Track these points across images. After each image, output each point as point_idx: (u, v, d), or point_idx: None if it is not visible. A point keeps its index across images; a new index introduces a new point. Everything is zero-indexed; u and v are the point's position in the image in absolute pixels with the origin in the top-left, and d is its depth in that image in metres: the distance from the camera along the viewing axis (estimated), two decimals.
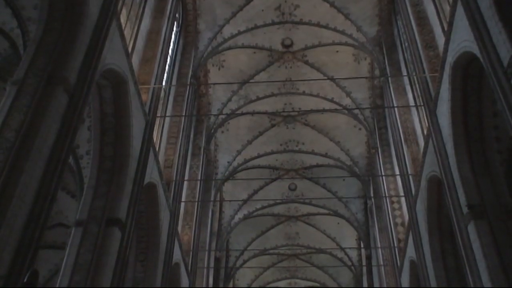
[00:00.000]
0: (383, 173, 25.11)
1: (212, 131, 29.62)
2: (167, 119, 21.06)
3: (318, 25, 25.76)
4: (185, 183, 23.50)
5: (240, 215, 35.17)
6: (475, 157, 12.70)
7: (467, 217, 12.14)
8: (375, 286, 29.74)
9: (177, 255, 20.39)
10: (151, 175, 16.55)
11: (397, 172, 22.05)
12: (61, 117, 9.03)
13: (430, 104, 15.15)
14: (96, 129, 13.38)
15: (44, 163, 8.45)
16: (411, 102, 20.45)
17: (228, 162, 32.19)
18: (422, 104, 16.96)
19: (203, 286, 27.55)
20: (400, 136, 20.41)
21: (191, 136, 25.49)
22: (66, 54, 9.55)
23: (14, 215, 7.58)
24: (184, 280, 21.90)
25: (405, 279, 20.83)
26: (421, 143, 18.46)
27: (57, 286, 11.48)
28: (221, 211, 34.37)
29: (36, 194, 8.13)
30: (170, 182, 19.90)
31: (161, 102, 18.88)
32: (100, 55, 10.99)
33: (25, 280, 7.18)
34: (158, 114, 18.31)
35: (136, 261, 17.16)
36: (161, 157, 19.40)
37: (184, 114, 22.14)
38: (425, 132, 17.12)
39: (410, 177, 19.07)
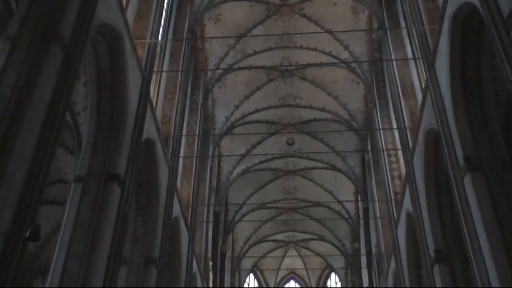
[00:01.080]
0: (380, 127, 25.15)
1: (210, 86, 29.48)
2: (164, 75, 20.92)
3: None
4: (183, 138, 23.53)
5: (238, 170, 35.41)
6: (473, 111, 12.68)
7: (464, 170, 12.23)
8: (371, 238, 30.20)
9: (176, 210, 20.62)
10: (149, 131, 16.55)
11: (395, 126, 22.08)
12: (57, 73, 8.95)
13: (428, 57, 15.04)
14: (92, 86, 13.29)
15: (42, 120, 8.42)
16: (410, 55, 20.29)
17: (225, 117, 32.17)
18: (420, 57, 16.84)
19: (203, 240, 27.98)
20: (398, 89, 20.34)
21: (189, 91, 25.37)
22: (59, 9, 9.38)
23: (13, 172, 7.61)
24: (184, 234, 22.22)
25: (401, 231, 21.14)
26: (419, 96, 18.41)
27: (59, 241, 11.63)
28: (219, 166, 34.58)
29: (35, 151, 8.14)
30: (168, 138, 19.93)
31: (157, 57, 18.70)
32: (94, 10, 10.81)
33: (27, 234, 7.27)
34: (155, 70, 18.17)
35: (136, 216, 17.36)
36: (158, 113, 19.36)
37: (180, 69, 21.97)
38: (423, 86, 17.05)
39: (408, 130, 19.11)
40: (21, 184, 7.75)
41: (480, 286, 11.47)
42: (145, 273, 16.77)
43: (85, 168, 12.62)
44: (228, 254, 38.66)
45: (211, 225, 30.79)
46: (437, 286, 15.59)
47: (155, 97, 19.30)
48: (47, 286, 11.12)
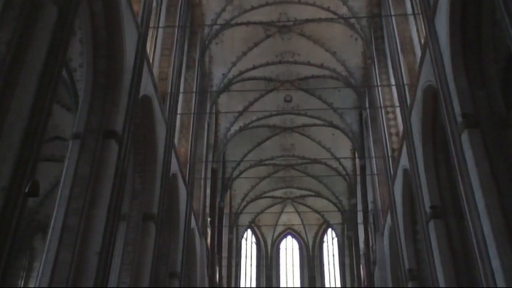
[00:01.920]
0: (378, 84, 25.06)
1: (206, 43, 29.17)
2: (160, 31, 20.65)
3: None
4: (180, 96, 23.42)
5: (236, 127, 35.41)
6: (472, 67, 12.62)
7: (461, 126, 12.25)
8: (368, 194, 30.49)
9: (174, 167, 20.73)
10: (146, 88, 16.47)
11: (393, 82, 21.99)
12: (52, 30, 8.83)
13: (428, 12, 14.85)
14: (88, 42, 13.14)
15: (38, 76, 8.36)
16: (409, 11, 20.02)
17: (223, 74, 31.94)
18: (420, 12, 16.63)
19: (201, 197, 28.22)
20: (397, 46, 20.17)
21: (185, 48, 25.11)
22: None
23: (11, 129, 7.60)
24: (182, 191, 22.40)
25: (397, 188, 21.33)
26: (418, 53, 18.27)
27: (58, 197, 11.71)
28: (217, 124, 34.57)
29: (32, 108, 8.11)
30: (165, 95, 19.85)
31: (153, 13, 18.42)
32: None
33: (26, 190, 7.32)
34: (151, 26, 17.93)
35: (135, 173, 17.45)
36: (155, 70, 19.22)
37: (177, 25, 21.69)
38: (422, 42, 16.90)
39: (406, 87, 19.05)
40: (19, 141, 7.75)
41: (474, 241, 11.65)
42: (144, 229, 16.97)
43: (83, 125, 12.60)
44: (226, 211, 39.07)
45: (209, 182, 31.00)
46: (432, 241, 15.83)
47: (152, 53, 19.11)
48: (47, 242, 11.25)
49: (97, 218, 11.68)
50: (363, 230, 31.99)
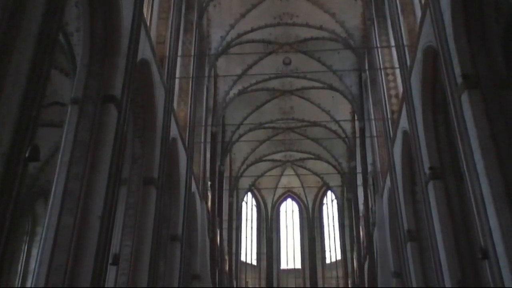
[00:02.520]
0: (378, 45, 24.85)
1: (204, 5, 28.80)
2: None
3: None
4: (179, 59, 23.25)
5: (235, 90, 35.27)
6: (472, 27, 12.49)
7: (461, 87, 12.20)
8: (367, 156, 30.61)
9: (174, 131, 20.73)
10: (144, 52, 16.33)
11: (393, 43, 21.80)
12: None
13: None
14: (84, 6, 12.94)
15: (34, 41, 8.28)
16: None
17: (221, 37, 31.64)
18: None
19: (201, 160, 28.33)
20: (397, 6, 19.92)
21: (183, 10, 24.78)
22: None
23: (9, 95, 7.57)
24: (182, 155, 22.46)
25: (397, 150, 21.39)
26: (418, 13, 18.04)
27: (58, 162, 11.73)
28: (215, 87, 34.43)
29: (29, 73, 8.06)
30: (163, 58, 19.70)
31: None
32: None
33: (26, 155, 7.32)
34: None
35: (134, 137, 17.46)
36: (152, 34, 19.01)
37: None
38: (422, 2, 16.68)
39: (406, 48, 18.89)
40: (18, 107, 7.73)
41: (473, 201, 11.74)
42: (144, 193, 17.09)
43: (81, 90, 12.53)
44: (226, 174, 39.29)
45: (208, 146, 31.06)
46: (431, 202, 15.97)
47: (149, 17, 18.87)
48: (49, 207, 11.33)
49: (98, 182, 11.73)
50: (362, 192, 32.25)
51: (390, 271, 24.00)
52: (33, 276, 11.93)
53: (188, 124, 24.38)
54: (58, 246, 10.58)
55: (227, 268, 37.54)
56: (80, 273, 10.55)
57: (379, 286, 25.73)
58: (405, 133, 19.61)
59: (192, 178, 24.37)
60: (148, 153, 17.60)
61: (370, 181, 29.83)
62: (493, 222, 10.67)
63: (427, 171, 16.22)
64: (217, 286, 31.09)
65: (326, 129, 38.52)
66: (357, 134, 34.47)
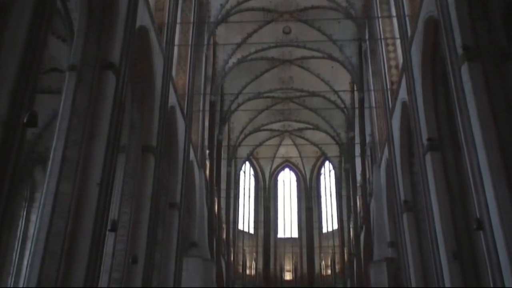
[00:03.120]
0: (379, 15, 24.61)
1: None
2: None
3: None
4: (177, 27, 23.02)
5: (234, 59, 35.03)
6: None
7: (461, 59, 12.14)
8: (366, 127, 30.61)
9: (172, 99, 20.67)
10: (142, 18, 16.16)
11: (394, 13, 21.58)
12: None
13: None
14: None
15: (31, 6, 8.18)
16: None
17: (220, 4, 31.25)
18: None
19: (199, 129, 28.32)
20: None
21: None
22: None
23: (6, 61, 7.53)
24: (180, 123, 22.43)
25: (395, 121, 21.39)
26: None
27: (57, 129, 11.72)
28: (214, 56, 34.18)
29: (27, 39, 7.99)
30: (162, 25, 19.52)
31: None
32: None
33: (25, 120, 7.31)
34: None
35: (133, 105, 17.41)
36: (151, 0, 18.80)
37: None
38: None
39: (407, 18, 18.72)
40: (15, 73, 7.69)
41: (470, 173, 11.79)
42: (143, 161, 17.13)
43: (79, 56, 12.43)
44: (224, 143, 39.30)
45: (207, 115, 31.02)
46: (428, 173, 16.04)
47: None
48: (47, 173, 11.35)
49: (96, 149, 11.74)
50: (360, 162, 32.34)
51: (386, 241, 24.26)
52: (32, 241, 12.04)
53: (186, 93, 24.29)
54: (57, 212, 10.65)
55: (224, 236, 37.88)
56: (79, 239, 10.65)
57: (374, 255, 26.02)
58: (404, 104, 19.57)
59: (191, 147, 24.40)
60: (146, 121, 17.58)
61: (368, 152, 29.90)
62: (490, 193, 10.74)
63: (425, 142, 16.25)
64: (214, 254, 31.42)
65: (325, 100, 38.42)
66: (356, 105, 34.39)
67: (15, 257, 22.55)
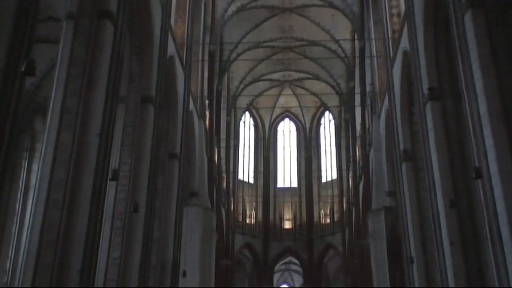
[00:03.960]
0: None
1: None
2: None
3: None
4: None
5: (233, 7, 34.44)
6: None
7: (465, 6, 11.95)
8: (366, 77, 30.43)
9: (171, 49, 20.44)
10: None
11: None
12: None
13: None
14: None
15: None
16: None
17: None
18: None
19: (198, 79, 28.15)
20: None
21: None
22: None
23: (2, 10, 7.42)
24: (179, 73, 22.28)
25: (396, 70, 21.24)
26: None
27: (55, 79, 11.64)
28: (213, 4, 33.60)
29: None
30: None
31: None
32: None
33: (23, 69, 7.26)
34: None
35: (131, 55, 17.23)
36: None
37: None
38: None
39: None
40: (12, 21, 7.60)
41: (470, 121, 11.80)
42: (142, 111, 17.09)
43: (76, 4, 12.21)
44: (224, 93, 39.13)
45: (206, 65, 30.76)
46: (428, 123, 16.04)
47: None
48: (47, 123, 11.36)
49: (96, 99, 11.71)
50: (360, 112, 32.32)
51: (384, 190, 24.52)
52: (34, 191, 12.16)
53: (185, 42, 24.01)
54: (57, 162, 10.71)
55: (224, 186, 38.24)
56: (80, 188, 10.76)
57: (373, 204, 26.33)
58: (405, 53, 19.39)
59: (190, 97, 24.31)
60: (145, 71, 17.44)
61: (368, 101, 29.83)
62: (489, 142, 10.78)
63: (425, 92, 16.19)
64: (214, 203, 31.80)
65: (326, 49, 38.01)
66: (357, 54, 34.07)
67: (18, 207, 22.84)
